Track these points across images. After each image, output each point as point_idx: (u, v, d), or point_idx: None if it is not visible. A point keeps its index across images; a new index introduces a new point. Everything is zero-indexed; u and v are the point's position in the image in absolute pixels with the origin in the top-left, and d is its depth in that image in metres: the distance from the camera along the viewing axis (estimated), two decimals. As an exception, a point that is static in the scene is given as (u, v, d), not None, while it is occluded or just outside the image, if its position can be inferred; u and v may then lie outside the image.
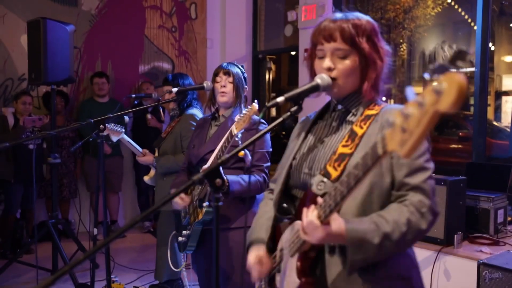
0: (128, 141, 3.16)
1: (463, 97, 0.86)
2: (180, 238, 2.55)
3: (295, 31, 5.93)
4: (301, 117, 1.76)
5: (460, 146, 5.85)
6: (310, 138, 1.58)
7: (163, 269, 3.71)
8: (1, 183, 4.95)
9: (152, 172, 3.44)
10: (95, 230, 3.10)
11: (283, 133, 9.99)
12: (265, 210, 1.70)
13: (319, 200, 1.27)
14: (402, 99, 6.52)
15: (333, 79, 1.47)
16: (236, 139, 2.23)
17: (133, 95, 3.44)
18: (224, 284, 2.45)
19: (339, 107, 1.54)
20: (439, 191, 3.06)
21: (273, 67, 8.92)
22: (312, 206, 1.27)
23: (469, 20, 5.33)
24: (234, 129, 2.22)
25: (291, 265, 1.45)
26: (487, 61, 4.09)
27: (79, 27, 5.78)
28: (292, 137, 1.70)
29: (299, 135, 1.64)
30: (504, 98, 6.32)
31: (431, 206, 1.34)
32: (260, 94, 6.68)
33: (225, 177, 2.22)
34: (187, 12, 6.55)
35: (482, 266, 2.66)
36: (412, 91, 1.01)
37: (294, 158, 1.57)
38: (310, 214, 1.26)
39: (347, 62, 1.45)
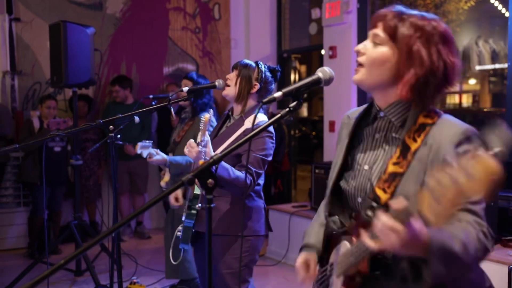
0: (151, 153, 3.15)
1: (492, 188, 0.83)
2: (178, 233, 2.53)
3: (319, 29, 5.81)
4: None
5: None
6: (356, 157, 1.44)
7: (177, 267, 3.74)
8: (29, 186, 5.05)
9: (167, 177, 3.41)
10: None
11: (314, 133, 9.84)
12: (321, 210, 1.61)
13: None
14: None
15: (360, 64, 1.36)
16: (200, 147, 2.22)
17: (151, 96, 3.41)
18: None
19: (381, 114, 1.40)
20: (468, 192, 2.91)
21: (303, 67, 8.81)
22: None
23: (507, 14, 5.10)
24: (198, 138, 2.24)
25: (336, 286, 1.38)
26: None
27: (104, 30, 5.85)
28: (338, 139, 1.57)
29: (340, 143, 1.52)
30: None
31: (489, 229, 1.24)
32: (286, 94, 6.58)
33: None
34: (211, 12, 6.53)
35: (512, 271, 2.50)
36: None
37: (342, 178, 1.45)
38: (386, 220, 1.10)
39: (379, 50, 1.33)
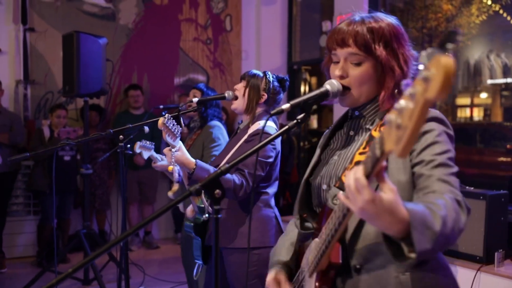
0: (155, 157, 3.12)
1: (450, 80, 0.79)
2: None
3: (330, 41, 5.83)
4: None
5: (508, 159, 5.56)
6: (328, 151, 1.49)
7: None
8: (38, 194, 5.08)
9: (176, 186, 3.38)
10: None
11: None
12: (290, 229, 1.63)
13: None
14: (446, 111, 6.27)
15: (346, 88, 1.38)
16: (171, 153, 2.18)
17: (161, 106, 3.43)
18: None
19: (356, 113, 1.44)
20: (478, 206, 2.90)
21: (313, 79, 8.83)
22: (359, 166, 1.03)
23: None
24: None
25: (309, 285, 1.34)
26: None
27: (117, 40, 5.92)
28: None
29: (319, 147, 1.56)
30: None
31: (464, 200, 1.18)
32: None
33: (195, 161, 2.20)
34: (222, 24, 6.59)
35: (523, 287, 2.46)
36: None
37: (311, 175, 1.47)
38: (357, 171, 1.01)
39: (361, 69, 1.35)
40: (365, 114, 1.42)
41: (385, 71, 1.34)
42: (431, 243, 1.04)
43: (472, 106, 7.04)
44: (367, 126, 1.41)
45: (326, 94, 1.38)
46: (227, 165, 1.28)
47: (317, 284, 1.30)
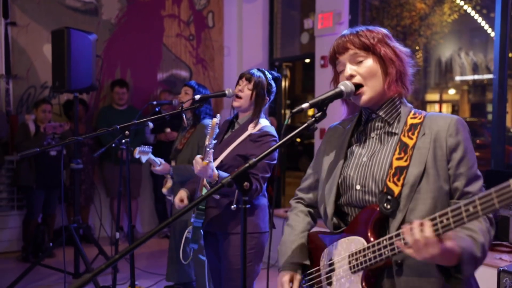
0: (153, 160, 3.26)
1: None
2: (186, 233, 2.70)
3: (311, 39, 5.97)
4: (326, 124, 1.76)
5: (477, 153, 5.82)
6: (354, 153, 1.57)
7: (175, 271, 3.85)
8: (24, 189, 5.06)
9: (169, 183, 3.50)
10: (117, 234, 3.21)
11: (298, 140, 9.96)
12: (298, 222, 1.74)
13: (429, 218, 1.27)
14: (417, 107, 6.51)
15: (359, 85, 1.51)
16: (207, 149, 2.31)
17: (154, 102, 3.50)
18: (225, 284, 2.56)
19: (373, 116, 1.56)
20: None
21: (287, 74, 8.98)
22: (425, 222, 1.25)
23: (486, 28, 5.32)
24: (206, 141, 2.34)
25: (350, 281, 1.45)
26: (505, 68, 4.09)
27: (99, 35, 5.88)
28: (325, 147, 1.69)
29: (335, 148, 1.64)
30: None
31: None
32: (277, 101, 6.72)
33: (217, 172, 2.34)
34: (205, 20, 6.65)
35: (502, 273, 2.65)
36: None
37: (340, 176, 1.56)
38: (427, 230, 1.24)
39: (365, 64, 1.51)
40: (382, 115, 1.54)
41: (386, 62, 1.51)
42: (474, 268, 1.35)
43: (441, 102, 7.31)
44: (391, 130, 1.53)
45: (340, 94, 1.50)
46: (254, 159, 1.39)
47: (364, 283, 1.42)
